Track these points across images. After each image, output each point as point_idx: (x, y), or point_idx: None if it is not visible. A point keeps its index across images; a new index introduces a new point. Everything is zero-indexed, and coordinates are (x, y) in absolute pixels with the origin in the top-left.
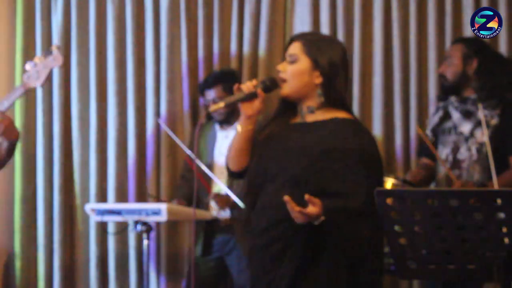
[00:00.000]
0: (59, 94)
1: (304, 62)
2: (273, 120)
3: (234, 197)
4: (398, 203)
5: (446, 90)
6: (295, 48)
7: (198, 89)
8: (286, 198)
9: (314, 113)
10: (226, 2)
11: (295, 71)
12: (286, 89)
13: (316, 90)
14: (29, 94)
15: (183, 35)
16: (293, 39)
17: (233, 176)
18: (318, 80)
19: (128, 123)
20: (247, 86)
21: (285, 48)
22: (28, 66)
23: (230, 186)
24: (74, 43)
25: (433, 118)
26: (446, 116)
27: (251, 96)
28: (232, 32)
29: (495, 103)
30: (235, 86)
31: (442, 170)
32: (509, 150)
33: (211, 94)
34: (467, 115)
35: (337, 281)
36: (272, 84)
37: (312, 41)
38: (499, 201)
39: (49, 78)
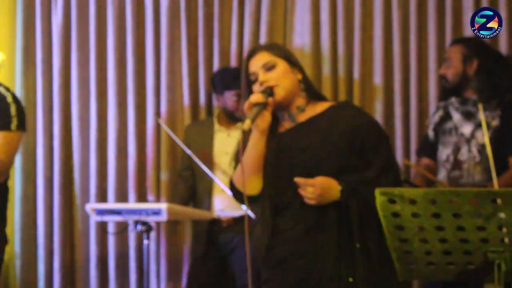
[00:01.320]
0: (59, 94)
1: (282, 64)
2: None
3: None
4: (398, 203)
5: (447, 91)
6: (265, 57)
7: (230, 80)
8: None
9: (304, 111)
10: (226, 2)
11: (281, 72)
12: (281, 92)
13: (300, 87)
14: (29, 94)
15: (183, 35)
16: (251, 55)
17: (250, 202)
18: (299, 76)
19: (128, 123)
20: (257, 98)
21: (245, 69)
22: None
23: None
24: (74, 43)
25: (434, 117)
26: (447, 116)
27: (264, 107)
28: (232, 32)
29: (496, 104)
30: (247, 104)
31: (442, 171)
32: (509, 150)
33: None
34: (468, 116)
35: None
36: (271, 92)
37: (272, 46)
38: (499, 201)
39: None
